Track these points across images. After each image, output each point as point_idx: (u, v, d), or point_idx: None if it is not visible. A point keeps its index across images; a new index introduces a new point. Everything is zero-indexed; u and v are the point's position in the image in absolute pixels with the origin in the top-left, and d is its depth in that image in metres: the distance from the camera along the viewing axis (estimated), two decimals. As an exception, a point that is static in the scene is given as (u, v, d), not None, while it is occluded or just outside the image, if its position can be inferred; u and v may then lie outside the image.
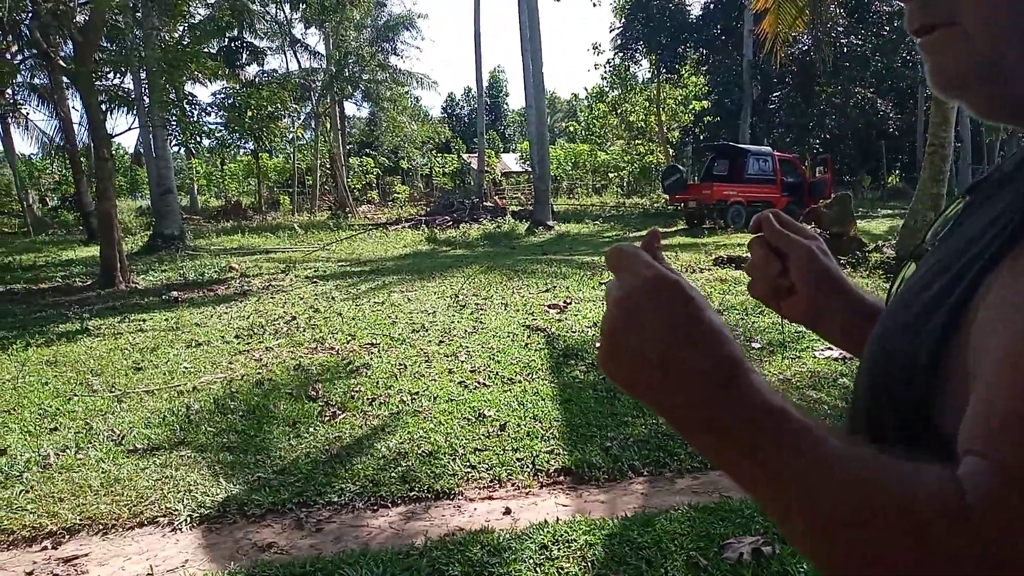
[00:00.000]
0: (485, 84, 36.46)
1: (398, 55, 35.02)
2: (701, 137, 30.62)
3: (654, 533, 3.07)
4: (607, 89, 32.53)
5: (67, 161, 23.26)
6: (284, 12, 29.50)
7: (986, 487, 0.45)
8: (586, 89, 36.90)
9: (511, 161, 47.20)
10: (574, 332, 6.71)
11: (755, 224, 0.87)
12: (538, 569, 2.86)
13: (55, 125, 25.11)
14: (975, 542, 0.45)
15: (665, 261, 0.61)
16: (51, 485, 3.78)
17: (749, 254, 0.89)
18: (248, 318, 8.18)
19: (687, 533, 3.07)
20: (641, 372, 0.55)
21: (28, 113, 26.32)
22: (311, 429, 4.53)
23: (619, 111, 30.63)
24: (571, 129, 42.48)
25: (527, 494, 3.69)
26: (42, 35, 12.92)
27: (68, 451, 4.24)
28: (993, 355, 0.49)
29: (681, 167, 21.87)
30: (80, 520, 3.42)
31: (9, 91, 20.58)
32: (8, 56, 18.09)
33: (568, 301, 8.28)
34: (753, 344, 6.00)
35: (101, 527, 3.39)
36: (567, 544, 3.03)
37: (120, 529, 3.39)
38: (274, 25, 30.00)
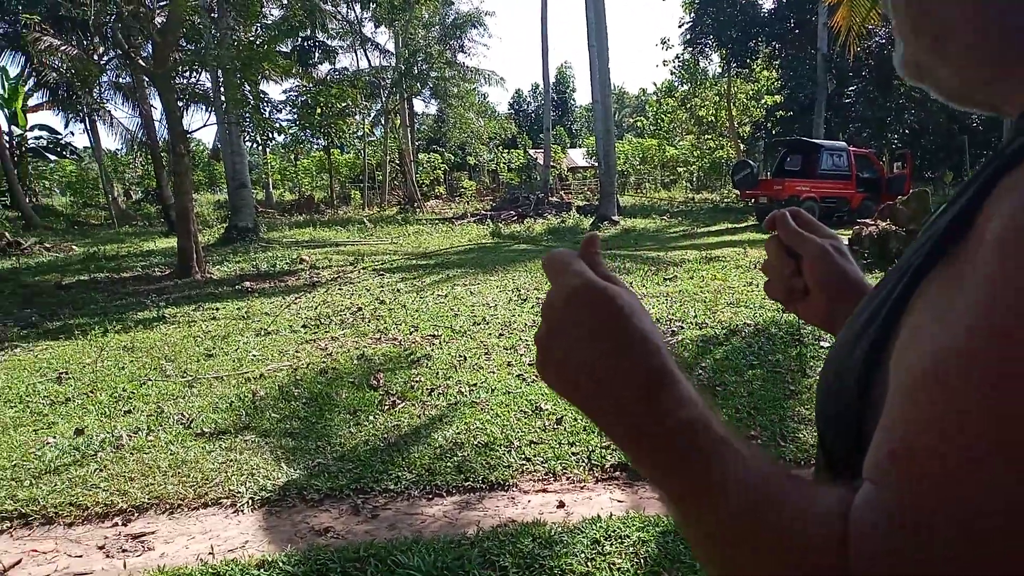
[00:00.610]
0: (552, 80, 36.42)
1: (466, 52, 35.18)
2: (773, 132, 29.89)
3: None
4: (676, 84, 32.07)
5: (149, 156, 24.29)
6: (355, 11, 30.05)
7: (869, 517, 0.43)
8: (655, 84, 36.50)
9: (577, 156, 47.01)
10: (635, 328, 6.65)
11: (769, 222, 0.85)
12: (589, 564, 2.85)
13: (137, 122, 26.23)
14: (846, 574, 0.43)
15: (603, 267, 0.60)
16: (123, 465, 3.96)
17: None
18: (316, 308, 8.38)
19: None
20: (570, 380, 0.55)
21: (113, 111, 27.53)
22: (371, 417, 4.62)
23: (688, 106, 30.17)
24: (639, 124, 42.05)
25: (581, 488, 3.68)
26: (124, 36, 13.46)
27: (140, 433, 4.43)
28: (898, 378, 0.47)
29: (752, 162, 21.38)
30: (149, 499, 3.57)
31: (96, 90, 21.59)
32: (95, 57, 18.98)
33: (631, 297, 8.21)
34: (822, 343, 5.84)
35: (168, 506, 3.54)
36: (620, 540, 3.01)
37: (185, 509, 3.53)
38: (345, 24, 30.58)
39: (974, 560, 0.40)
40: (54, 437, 4.41)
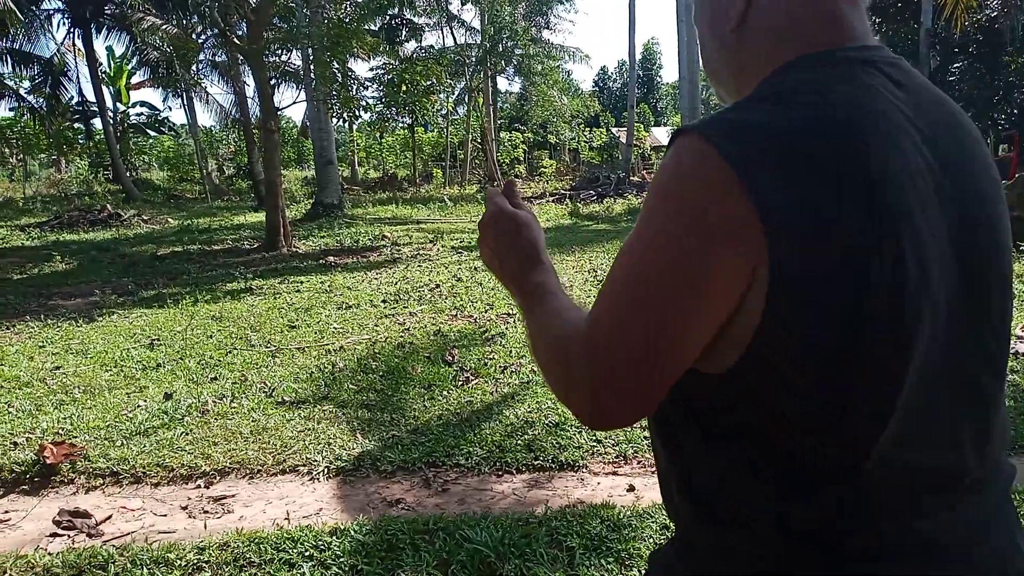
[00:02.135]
0: (638, 57, 35.75)
1: (551, 29, 34.86)
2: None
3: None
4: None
5: (241, 133, 25.12)
6: (442, -12, 30.18)
7: (581, 336, 0.82)
8: (745, 61, 35.33)
9: (662, 135, 46.15)
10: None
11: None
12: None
13: (231, 99, 27.16)
14: (580, 366, 0.81)
15: (518, 200, 1.09)
16: (207, 430, 4.13)
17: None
18: (396, 284, 8.53)
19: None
20: (489, 260, 1.08)
21: (209, 88, 28.56)
22: (445, 392, 4.67)
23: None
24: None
25: (653, 473, 3.62)
26: (221, 15, 13.90)
27: (225, 399, 4.61)
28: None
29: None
30: (230, 464, 3.72)
31: (193, 68, 22.41)
32: (193, 36, 19.69)
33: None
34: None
35: (248, 471, 3.67)
36: (689, 526, 2.96)
37: (264, 475, 3.65)
38: (432, 2, 30.73)
39: (616, 341, 0.78)
40: (145, 400, 4.63)
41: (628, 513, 3.07)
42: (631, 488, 3.44)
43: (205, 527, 3.13)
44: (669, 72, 69.74)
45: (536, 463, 3.69)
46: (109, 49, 30.91)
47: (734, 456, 0.81)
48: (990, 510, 0.85)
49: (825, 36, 0.84)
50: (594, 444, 3.86)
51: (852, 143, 0.74)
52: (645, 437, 3.92)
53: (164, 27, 21.90)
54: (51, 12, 24.86)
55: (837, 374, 0.74)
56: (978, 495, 0.84)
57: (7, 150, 27.73)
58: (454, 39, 32.68)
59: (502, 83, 38.67)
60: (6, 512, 3.34)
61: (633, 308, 0.78)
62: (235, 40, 13.21)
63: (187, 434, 4.07)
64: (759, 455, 0.79)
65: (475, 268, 9.61)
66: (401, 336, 6.04)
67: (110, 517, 3.25)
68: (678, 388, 0.80)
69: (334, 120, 18.65)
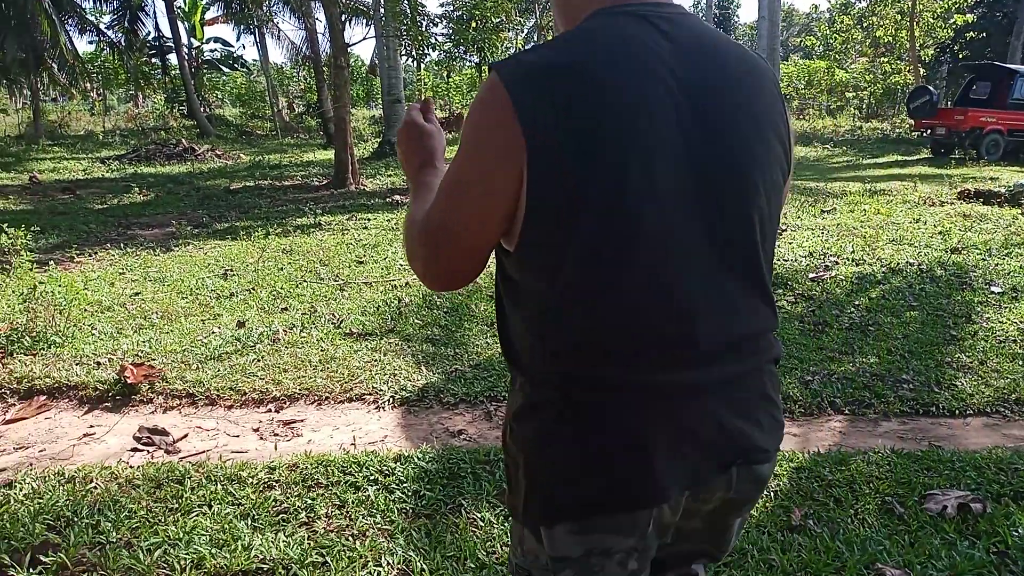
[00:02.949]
0: (715, -5, 34.29)
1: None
2: (960, 56, 26.89)
3: (847, 473, 2.88)
4: (853, 0, 29.37)
5: (311, 70, 25.24)
6: (515, -79, 29.33)
7: (421, 222, 1.10)
8: (829, 1, 33.59)
9: (736, 79, 44.42)
10: (786, 260, 6.31)
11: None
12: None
13: (302, 35, 27.18)
14: (419, 243, 1.09)
15: (432, 115, 1.34)
16: (278, 357, 4.26)
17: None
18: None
19: (885, 478, 2.84)
20: (401, 160, 1.32)
21: (280, 24, 28.69)
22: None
23: (865, 24, 27.62)
24: (807, 44, 39.11)
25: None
26: (293, -51, 13.85)
27: (295, 329, 4.74)
28: None
29: (932, 89, 19.40)
30: (299, 390, 3.83)
31: (266, 4, 22.52)
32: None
33: (784, 228, 7.79)
34: (993, 288, 5.32)
35: (316, 398, 3.78)
36: (750, 471, 2.93)
37: (332, 402, 3.76)
38: (504, -65, 29.99)
39: (438, 225, 1.05)
40: (219, 328, 4.80)
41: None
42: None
43: (275, 449, 3.26)
44: (747, 12, 66.92)
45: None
46: (184, -17, 31.26)
47: (528, 319, 1.08)
48: (738, 373, 1.10)
49: None
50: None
51: (598, 79, 0.97)
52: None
53: (237, -39, 21.98)
54: (129, -53, 25.21)
55: (580, 253, 0.98)
56: (719, 361, 1.06)
57: (88, 84, 28.52)
58: (525, -25, 31.87)
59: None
60: (91, 427, 3.53)
61: (449, 203, 1.05)
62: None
63: (259, 360, 4.21)
64: (534, 318, 1.07)
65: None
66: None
67: (186, 436, 3.41)
68: (499, 265, 1.13)
69: (403, 58, 18.54)
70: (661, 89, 0.99)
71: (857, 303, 5.13)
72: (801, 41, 43.55)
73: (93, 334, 4.69)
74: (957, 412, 3.57)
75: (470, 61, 31.82)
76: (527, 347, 1.10)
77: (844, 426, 3.48)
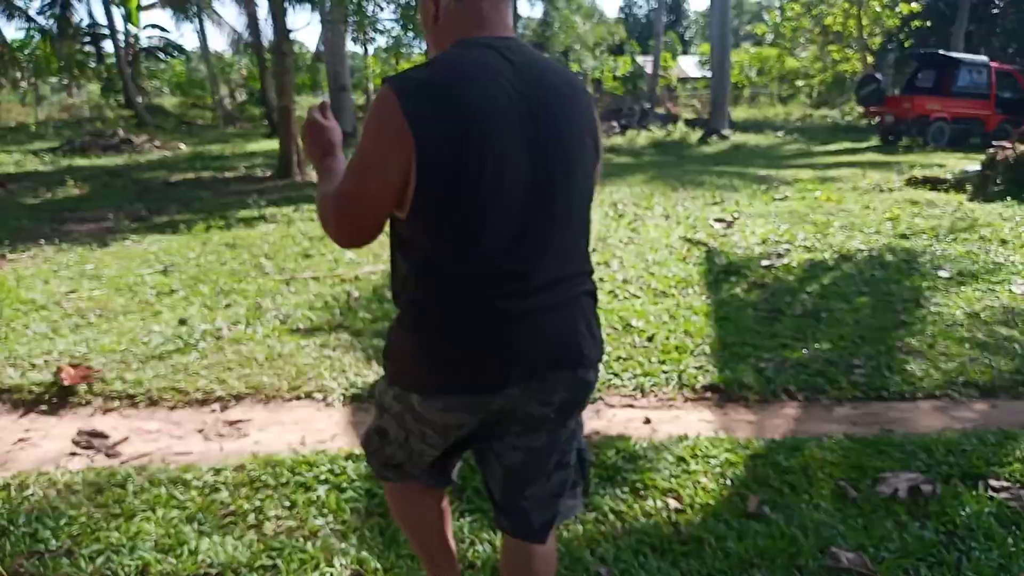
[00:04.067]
0: (666, -17, 34.49)
1: (576, -50, 33.63)
2: (906, 44, 27.48)
3: (802, 458, 2.88)
4: (801, -12, 29.75)
5: (254, 57, 24.67)
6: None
7: (332, 195, 1.50)
8: (777, -12, 34.00)
9: (688, 65, 44.90)
10: (739, 248, 6.36)
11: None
12: (674, 480, 2.77)
13: (243, 21, 26.53)
14: (330, 211, 1.50)
15: (328, 114, 1.67)
16: (222, 355, 4.12)
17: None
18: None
19: (838, 463, 2.85)
20: (307, 151, 1.67)
21: (221, 10, 27.97)
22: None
23: (814, 13, 28.03)
24: (758, 32, 39.61)
25: (670, 407, 3.58)
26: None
27: (239, 326, 4.60)
28: None
29: (880, 76, 19.79)
30: (245, 389, 3.71)
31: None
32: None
33: (736, 216, 7.86)
34: (940, 273, 5.42)
35: (263, 396, 3.67)
36: (707, 460, 2.92)
37: (280, 400, 3.65)
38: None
39: (344, 197, 1.45)
40: (159, 325, 4.63)
41: (644, 445, 3.04)
42: (647, 421, 3.40)
43: (221, 450, 3.14)
44: None
45: (552, 394, 3.65)
46: (119, -33, 30.22)
47: (414, 265, 1.48)
48: (560, 301, 1.52)
49: (472, 30, 1.49)
50: (611, 377, 3.82)
51: (457, 87, 1.38)
52: (664, 371, 3.87)
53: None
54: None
55: (451, 217, 1.39)
56: (546, 292, 1.49)
57: (18, 73, 27.45)
58: (476, -39, 31.64)
59: (523, 7, 37.59)
60: (27, 431, 3.37)
61: (357, 179, 1.43)
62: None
63: (202, 359, 4.07)
64: (429, 260, 1.45)
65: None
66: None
67: (127, 438, 3.27)
68: (392, 227, 1.51)
69: (349, 44, 18.23)
70: (505, 99, 1.40)
71: (809, 290, 5.18)
72: (752, 29, 44.11)
73: (27, 334, 4.49)
74: (908, 396, 3.61)
75: (420, 48, 31.45)
76: (413, 285, 1.50)
77: (798, 412, 3.49)
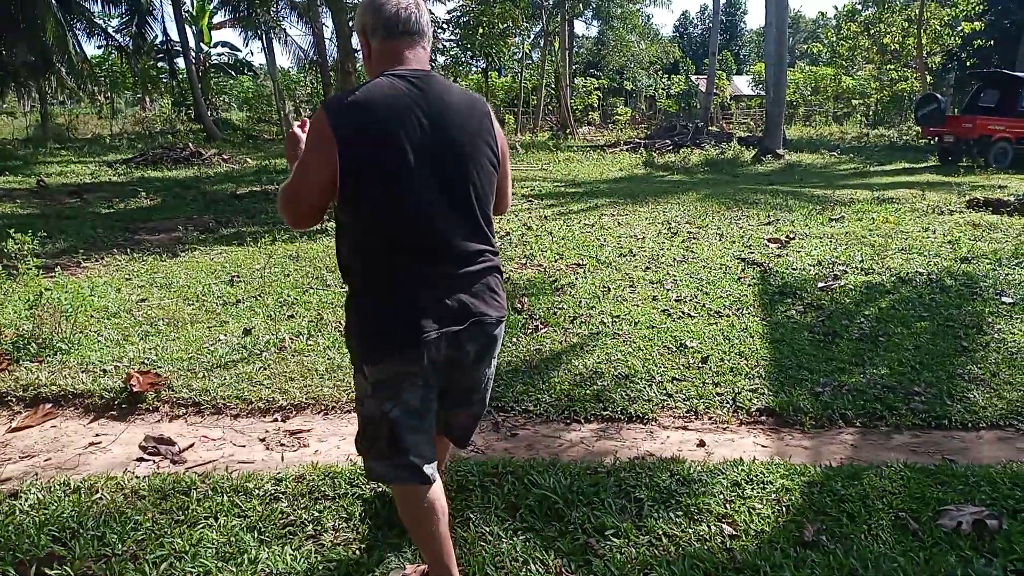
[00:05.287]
0: (722, 1, 34.29)
1: (633, -31, 33.58)
2: (968, 63, 26.80)
3: (860, 487, 2.84)
4: (860, 7, 29.33)
5: (318, 75, 25.27)
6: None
7: (283, 189, 1.97)
8: (836, 8, 33.51)
9: (743, 84, 44.47)
10: (794, 269, 6.28)
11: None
12: (728, 506, 2.76)
13: (309, 40, 27.25)
14: (281, 201, 1.98)
15: (306, 127, 2.06)
16: (284, 365, 4.24)
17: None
18: (465, 230, 8.52)
19: (898, 492, 2.81)
20: (287, 156, 2.15)
21: (288, 29, 28.73)
22: (514, 340, 4.68)
23: (872, 32, 27.55)
24: (814, 51, 39.06)
25: (724, 430, 3.57)
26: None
27: (301, 337, 4.72)
28: None
29: (940, 96, 19.34)
30: (306, 399, 3.81)
31: (273, 8, 22.55)
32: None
33: (791, 236, 7.76)
34: (1003, 299, 5.27)
35: (323, 407, 3.76)
36: (762, 485, 2.90)
37: (338, 411, 3.74)
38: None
39: (289, 190, 1.93)
40: (225, 335, 4.78)
41: (698, 468, 3.03)
42: (701, 443, 3.39)
43: (282, 459, 3.23)
44: (754, 18, 66.96)
45: (605, 413, 3.67)
46: (191, -13, 31.34)
47: (349, 243, 1.96)
48: (466, 272, 1.97)
49: (395, 65, 2.00)
50: (664, 398, 3.82)
51: (372, 106, 1.86)
52: (718, 393, 3.86)
53: (245, -34, 22.02)
54: (138, -50, 25.28)
55: (369, 201, 1.87)
56: (454, 264, 1.95)
57: (96, 88, 28.60)
58: (533, -20, 31.88)
59: (579, 27, 37.78)
60: (97, 436, 3.52)
61: (299, 175, 1.90)
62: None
63: (265, 369, 4.19)
64: (359, 230, 1.92)
65: (544, 217, 9.54)
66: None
67: (192, 445, 3.39)
68: (335, 212, 1.97)
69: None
70: (413, 115, 1.89)
71: (867, 313, 5.10)
72: (808, 47, 43.51)
73: (99, 341, 4.67)
74: (970, 425, 3.53)
75: (477, 66, 31.81)
76: (349, 260, 1.98)
77: (856, 439, 3.44)
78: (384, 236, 1.89)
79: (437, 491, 2.09)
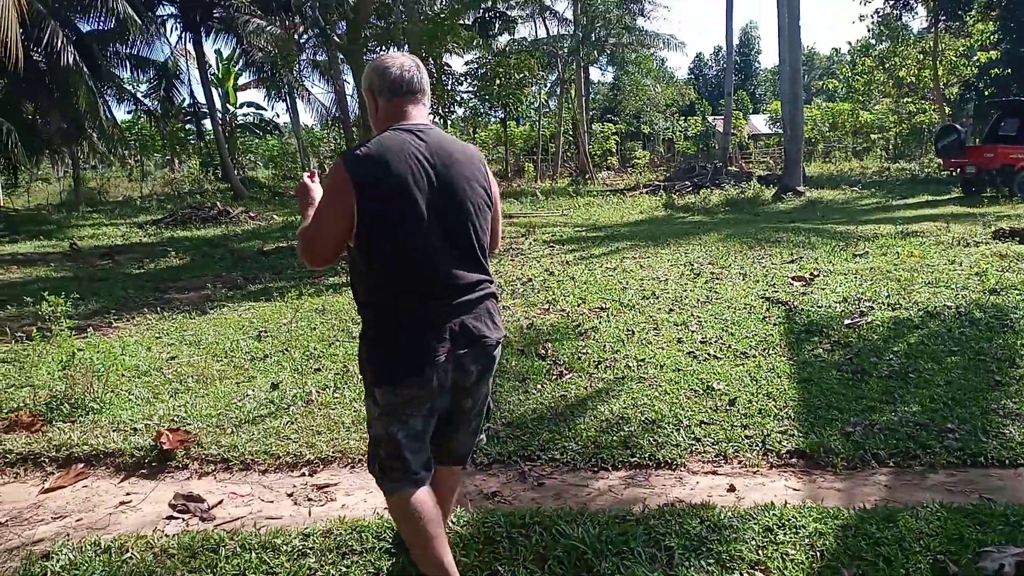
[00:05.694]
0: (736, 42, 34.68)
1: (645, 16, 34.05)
2: (986, 93, 26.72)
3: (896, 530, 2.78)
4: (874, 42, 29.48)
5: (342, 131, 25.81)
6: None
7: (301, 233, 2.26)
8: (849, 44, 33.74)
9: (760, 123, 44.67)
10: (820, 307, 6.23)
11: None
12: (761, 552, 2.71)
13: (331, 98, 27.90)
14: (300, 244, 2.24)
15: (316, 177, 2.50)
16: (311, 419, 4.27)
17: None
18: (488, 278, 8.57)
19: (936, 534, 2.74)
20: (300, 205, 2.43)
21: (310, 87, 29.48)
22: (539, 386, 4.67)
23: (887, 66, 27.65)
24: (829, 87, 39.22)
25: (754, 473, 3.51)
26: (322, 14, 14.30)
27: (328, 390, 4.75)
28: None
29: (959, 127, 19.26)
30: (333, 452, 3.82)
31: (295, 68, 23.18)
32: (295, 36, 20.35)
33: (815, 273, 7.71)
34: (1038, 330, 5.18)
35: (350, 460, 3.77)
36: (794, 530, 2.84)
37: (365, 464, 3.73)
38: (525, -7, 30.60)
39: (307, 234, 2.22)
40: (253, 390, 4.83)
41: (729, 514, 2.98)
42: (731, 488, 3.34)
43: (310, 514, 3.24)
44: (768, 57, 67.57)
45: (632, 460, 3.63)
46: (218, 52, 32.39)
47: (367, 280, 2.22)
48: (468, 300, 2.23)
49: (398, 120, 2.28)
50: (693, 442, 3.78)
51: (384, 157, 2.14)
52: (747, 436, 3.81)
53: (268, 29, 22.70)
54: (165, 17, 26.19)
55: (383, 242, 2.14)
56: (458, 295, 2.21)
57: (126, 151, 29.45)
58: (547, 30, 32.55)
59: (594, 73, 38.32)
60: (127, 494, 3.55)
61: (319, 221, 2.19)
62: (335, 39, 13.60)
63: (293, 423, 4.22)
64: (372, 277, 2.19)
65: (566, 262, 9.58)
66: (495, 329, 6.06)
67: (221, 502, 3.41)
68: (351, 252, 2.22)
69: (430, 116, 18.92)
70: (418, 165, 2.17)
71: (895, 349, 5.03)
72: (824, 84, 43.73)
73: (130, 400, 4.74)
74: (1008, 462, 3.45)
75: (495, 116, 32.32)
76: (364, 297, 2.26)
77: (889, 479, 3.38)
78: (395, 281, 2.17)
79: (426, 495, 2.32)
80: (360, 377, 2.33)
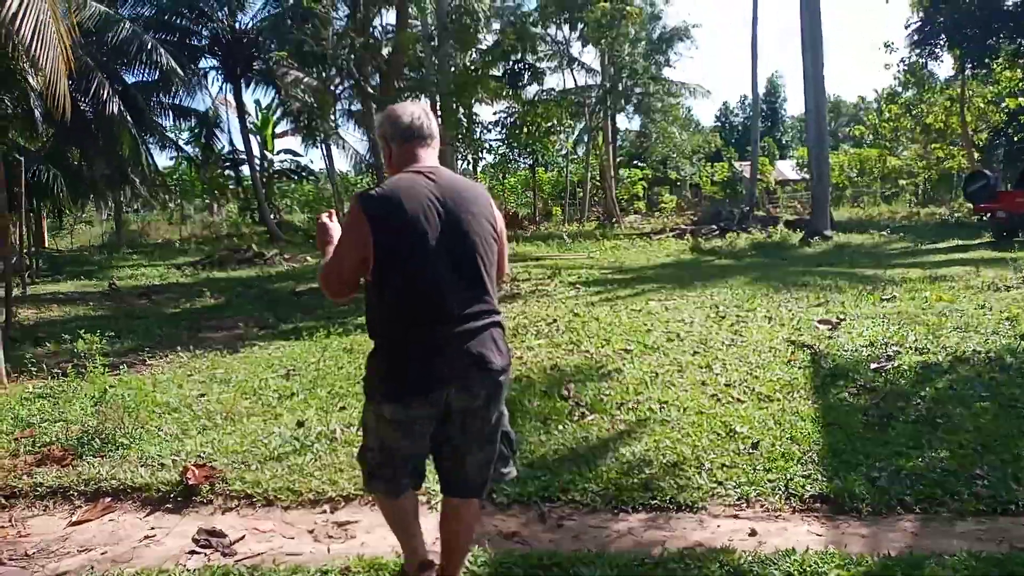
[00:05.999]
0: (761, 90, 34.99)
1: (671, 66, 34.46)
2: (1016, 138, 26.52)
3: (921, 577, 2.74)
4: (900, 89, 29.50)
5: (375, 176, 26.27)
6: (563, 32, 30.58)
7: (322, 268, 2.55)
8: (876, 91, 33.82)
9: (786, 168, 44.67)
10: (846, 351, 6.17)
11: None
12: (781, 597, 2.68)
13: (365, 145, 28.48)
14: (321, 278, 2.54)
15: (334, 216, 2.73)
16: (334, 456, 4.31)
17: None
18: (514, 319, 8.60)
19: (963, 583, 2.69)
20: (318, 242, 2.71)
21: (345, 135, 30.17)
22: (560, 427, 4.67)
23: (914, 112, 27.61)
24: (856, 133, 39.19)
25: (776, 518, 3.48)
26: (356, 67, 14.70)
27: (351, 428, 4.79)
28: None
29: (988, 172, 19.12)
30: (355, 490, 3.84)
31: (331, 117, 23.74)
32: (331, 88, 20.91)
33: (842, 317, 7.64)
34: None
35: (370, 499, 3.78)
36: (817, 576, 2.81)
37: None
38: (553, 45, 31.20)
39: (326, 269, 2.52)
40: (279, 427, 4.89)
41: (750, 559, 2.96)
42: (753, 532, 3.31)
43: (328, 551, 3.27)
44: (793, 105, 67.82)
45: (653, 503, 3.62)
46: (257, 101, 33.37)
47: (378, 312, 2.45)
48: (474, 329, 2.40)
49: (411, 163, 2.50)
50: (714, 486, 3.75)
51: (397, 196, 2.36)
52: (770, 480, 3.77)
53: (305, 80, 23.35)
54: (207, 70, 27.15)
55: (396, 276, 2.36)
56: (464, 324, 2.38)
57: (167, 196, 30.28)
58: (574, 81, 33.01)
59: (621, 121, 38.66)
60: (152, 528, 3.61)
61: (337, 257, 2.46)
62: (369, 90, 13.97)
63: (316, 460, 4.26)
64: (384, 311, 2.42)
65: (591, 303, 9.60)
66: (518, 369, 6.08)
67: (243, 537, 3.45)
68: (366, 287, 2.45)
69: (459, 163, 19.23)
70: (428, 203, 2.37)
71: (923, 394, 4.96)
72: (850, 131, 43.72)
73: (159, 435, 4.83)
74: (1040, 510, 3.37)
75: (524, 163, 32.71)
76: (375, 325, 2.47)
77: (916, 526, 3.32)
78: (405, 314, 2.37)
79: (409, 500, 2.70)
80: (366, 383, 2.52)
